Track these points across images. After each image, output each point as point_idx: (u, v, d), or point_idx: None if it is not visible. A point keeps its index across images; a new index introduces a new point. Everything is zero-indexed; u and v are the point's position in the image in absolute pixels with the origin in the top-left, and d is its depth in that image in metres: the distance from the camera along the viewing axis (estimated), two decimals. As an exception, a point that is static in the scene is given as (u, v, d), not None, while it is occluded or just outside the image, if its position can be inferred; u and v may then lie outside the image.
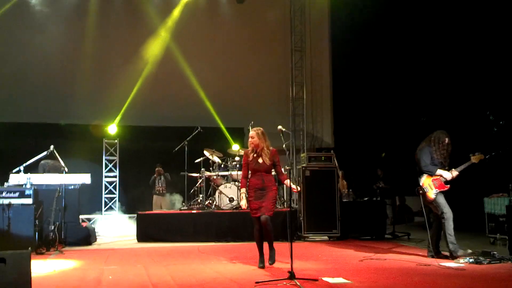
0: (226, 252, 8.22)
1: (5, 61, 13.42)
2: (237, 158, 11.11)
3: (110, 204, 13.50)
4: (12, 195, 8.32)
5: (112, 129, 13.62)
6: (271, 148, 6.49)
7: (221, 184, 10.86)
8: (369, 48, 14.34)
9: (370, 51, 14.32)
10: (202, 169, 11.19)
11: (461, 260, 6.59)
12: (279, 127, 6.56)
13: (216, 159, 11.33)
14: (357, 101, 14.81)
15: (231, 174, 10.98)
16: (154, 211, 11.92)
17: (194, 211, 10.53)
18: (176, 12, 14.17)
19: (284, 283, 5.26)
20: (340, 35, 15.10)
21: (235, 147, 12.63)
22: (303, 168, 9.92)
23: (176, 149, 11.53)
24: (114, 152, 13.59)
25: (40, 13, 13.78)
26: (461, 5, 12.38)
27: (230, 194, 10.55)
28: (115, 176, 13.58)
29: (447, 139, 7.04)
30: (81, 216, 10.19)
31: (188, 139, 11.47)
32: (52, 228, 8.56)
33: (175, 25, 14.16)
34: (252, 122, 9.72)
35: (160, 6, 14.41)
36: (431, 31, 13.22)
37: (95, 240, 10.15)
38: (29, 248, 4.99)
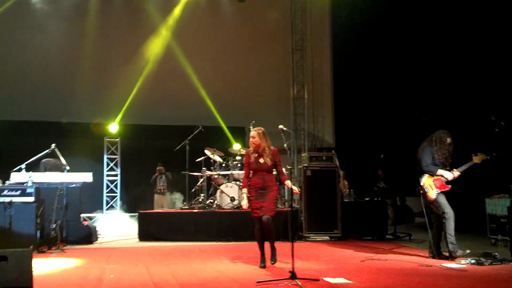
0: (227, 251, 8.22)
1: (6, 60, 13.43)
2: (238, 158, 11.10)
3: (112, 203, 13.50)
4: (13, 193, 8.31)
5: (114, 127, 13.63)
6: (272, 147, 6.51)
7: (222, 183, 10.86)
8: (370, 47, 14.31)
9: (371, 50, 14.29)
10: (203, 168, 11.19)
11: (463, 261, 6.59)
12: (280, 126, 6.56)
13: (217, 158, 11.33)
14: (358, 101, 14.79)
15: (232, 173, 10.98)
16: (156, 210, 11.92)
17: (195, 211, 10.53)
18: (177, 11, 14.18)
19: (286, 283, 5.26)
20: (341, 34, 15.07)
21: (236, 146, 12.62)
22: (304, 168, 9.91)
23: (177, 148, 11.53)
24: (116, 150, 13.59)
25: (41, 11, 13.79)
26: (463, 4, 12.36)
27: (231, 194, 10.55)
28: (116, 175, 13.58)
29: (449, 139, 7.03)
30: (82, 215, 10.21)
31: (189, 138, 11.47)
32: (54, 226, 8.57)
33: (176, 24, 14.16)
34: (253, 121, 9.69)
35: (161, 4, 14.41)
36: (433, 30, 13.20)
37: (97, 239, 10.16)
38: (31, 247, 5.00)
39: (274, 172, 6.66)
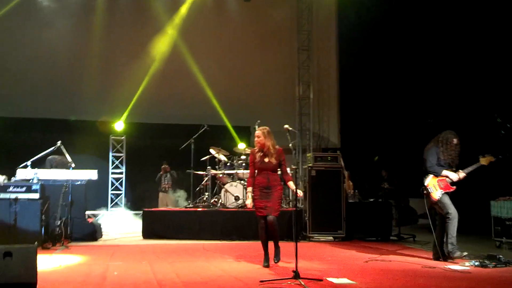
0: (231, 250, 8.23)
1: (12, 57, 13.52)
2: (243, 157, 11.11)
3: (116, 200, 13.55)
4: (19, 189, 8.36)
5: (119, 125, 13.68)
6: (277, 147, 6.52)
7: (227, 182, 10.87)
8: (377, 47, 14.27)
9: (377, 51, 14.25)
10: (208, 167, 11.21)
11: (467, 263, 6.56)
12: (286, 126, 6.56)
13: (222, 157, 11.34)
14: (364, 102, 14.76)
15: (237, 172, 10.99)
16: (160, 208, 11.94)
17: (200, 209, 10.55)
18: (184, 10, 14.21)
19: (289, 282, 5.26)
20: (347, 34, 15.04)
21: (241, 145, 12.63)
22: (309, 168, 9.90)
23: (182, 146, 11.55)
24: (121, 148, 13.65)
25: (48, 9, 13.87)
26: (470, 5, 12.31)
27: (236, 193, 10.56)
28: (121, 173, 13.63)
29: (455, 140, 6.99)
30: (87, 212, 10.23)
31: (194, 137, 11.50)
32: (59, 223, 8.60)
33: (182, 23, 14.20)
34: (259, 121, 9.71)
35: (167, 3, 14.46)
36: (439, 31, 13.15)
37: (101, 236, 10.18)
38: (35, 243, 5.02)
39: (279, 172, 6.67)
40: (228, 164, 11.25)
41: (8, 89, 13.40)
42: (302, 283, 5.16)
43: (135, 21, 14.34)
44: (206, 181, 11.29)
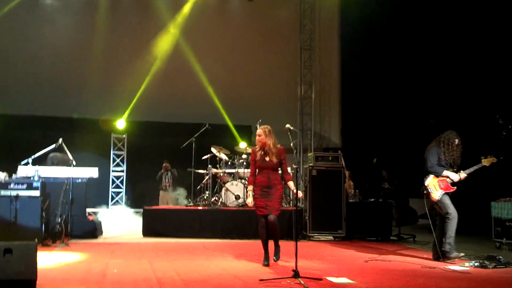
0: (231, 249, 8.23)
1: (14, 54, 13.52)
2: (244, 156, 11.12)
3: (117, 198, 13.57)
4: (19, 186, 8.38)
5: (121, 124, 13.69)
6: (278, 146, 6.52)
7: (228, 181, 10.88)
8: (379, 47, 14.26)
9: (379, 51, 14.24)
10: (209, 166, 11.22)
11: (467, 264, 6.56)
12: (287, 125, 6.55)
13: (223, 156, 11.35)
14: (365, 102, 14.75)
15: (237, 171, 11.00)
16: (161, 207, 11.96)
17: (200, 208, 10.56)
18: (186, 8, 14.20)
19: (288, 281, 5.27)
20: (350, 34, 15.03)
21: (243, 144, 12.62)
22: (310, 167, 9.90)
23: (183, 145, 11.56)
24: (122, 146, 13.66)
25: (51, 7, 13.88)
26: (473, 6, 12.30)
27: (236, 192, 10.57)
28: (122, 171, 13.65)
29: (457, 140, 6.98)
30: (87, 210, 10.25)
31: (196, 135, 11.52)
32: (59, 220, 8.62)
33: (184, 21, 14.19)
34: (260, 120, 9.71)
35: (170, 2, 14.45)
36: (442, 31, 13.14)
37: (101, 234, 10.20)
38: (36, 240, 5.02)
39: (279, 171, 6.67)
40: (229, 163, 11.26)
41: (10, 87, 13.40)
42: (302, 282, 5.16)
43: (138, 19, 14.34)
44: (207, 179, 11.30)
